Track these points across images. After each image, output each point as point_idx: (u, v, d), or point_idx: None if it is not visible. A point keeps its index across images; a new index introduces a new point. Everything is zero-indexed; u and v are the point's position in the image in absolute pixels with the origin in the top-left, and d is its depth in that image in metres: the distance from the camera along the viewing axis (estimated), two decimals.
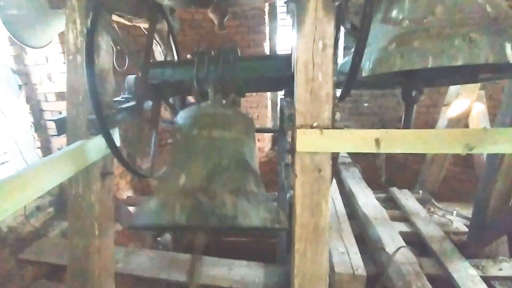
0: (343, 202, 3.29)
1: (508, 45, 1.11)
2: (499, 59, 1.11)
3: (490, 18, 1.19)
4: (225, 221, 1.17)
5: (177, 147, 1.48)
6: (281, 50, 5.12)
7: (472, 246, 2.58)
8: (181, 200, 1.21)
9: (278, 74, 1.72)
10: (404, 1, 1.35)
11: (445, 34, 1.17)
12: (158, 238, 3.41)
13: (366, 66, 1.32)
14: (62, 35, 2.36)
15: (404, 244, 2.49)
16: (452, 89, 3.66)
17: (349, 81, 1.29)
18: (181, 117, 1.54)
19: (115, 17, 1.75)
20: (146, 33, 1.85)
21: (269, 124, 5.33)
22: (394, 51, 1.25)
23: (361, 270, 2.19)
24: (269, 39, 4.87)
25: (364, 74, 1.32)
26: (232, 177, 1.33)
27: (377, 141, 1.24)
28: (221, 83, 1.67)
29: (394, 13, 1.37)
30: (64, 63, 2.95)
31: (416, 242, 2.69)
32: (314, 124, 1.27)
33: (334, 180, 3.27)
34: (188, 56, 1.80)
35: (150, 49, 1.75)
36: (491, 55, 1.11)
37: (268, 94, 5.21)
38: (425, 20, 1.25)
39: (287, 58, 1.69)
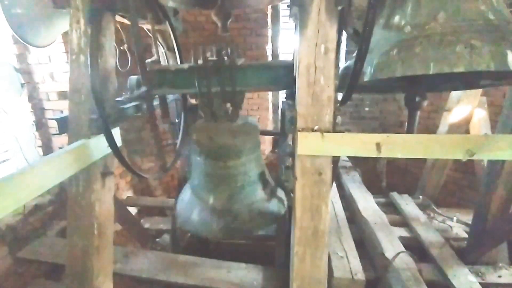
0: (342, 206, 3.28)
1: (509, 53, 1.11)
2: (500, 67, 1.11)
3: (492, 25, 1.19)
4: (246, 234, 2.02)
5: (198, 169, 1.99)
6: (283, 53, 5.13)
7: (471, 253, 2.57)
8: (215, 220, 1.86)
9: (281, 82, 1.71)
10: (406, 7, 1.35)
11: (446, 41, 1.18)
12: (157, 239, 3.40)
13: (368, 71, 1.33)
14: (65, 35, 2.37)
15: (403, 249, 2.48)
16: (454, 95, 3.66)
17: (350, 85, 1.30)
18: (196, 143, 1.88)
19: (118, 18, 1.76)
20: (150, 34, 1.86)
21: (270, 127, 5.33)
22: (396, 57, 1.25)
23: (360, 274, 2.18)
24: (271, 42, 4.88)
25: (365, 79, 1.32)
26: (247, 193, 1.90)
27: (378, 146, 1.24)
28: (224, 93, 1.69)
29: (396, 18, 1.38)
30: (67, 62, 2.97)
31: (415, 247, 2.68)
32: (315, 128, 1.28)
33: (334, 184, 3.27)
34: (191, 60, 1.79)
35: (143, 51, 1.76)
36: (492, 62, 1.11)
37: (270, 96, 5.22)
38: (427, 27, 1.25)
39: (290, 66, 1.68)
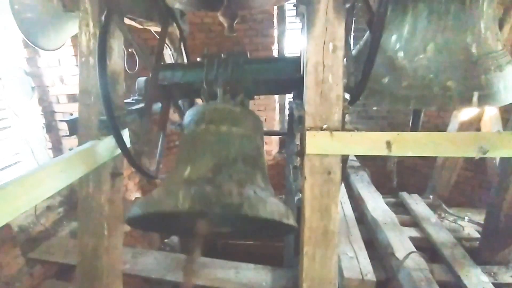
0: (351, 206, 3.25)
1: (476, 94, 1.27)
2: (466, 106, 1.35)
3: (471, 61, 1.31)
4: (231, 209, 1.12)
5: (184, 142, 1.45)
6: (289, 53, 5.12)
7: (484, 253, 2.52)
8: (185, 188, 1.16)
9: (287, 76, 1.71)
10: (403, 30, 1.44)
11: (427, 81, 1.33)
12: (166, 240, 3.42)
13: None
14: (74, 38, 2.40)
15: (414, 249, 2.45)
16: None
17: (359, 86, 1.29)
18: (189, 114, 1.52)
19: (126, 20, 1.77)
20: (157, 36, 1.87)
21: (276, 127, 5.32)
22: (386, 86, 1.41)
23: (370, 275, 2.16)
24: (278, 42, 4.88)
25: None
26: (239, 170, 1.28)
27: (388, 144, 1.22)
28: (230, 84, 1.67)
29: (393, 38, 1.46)
30: (76, 65, 3.01)
31: (426, 248, 2.64)
32: (324, 126, 1.27)
33: (342, 184, 3.26)
34: (198, 59, 1.81)
35: (161, 51, 1.77)
36: (459, 103, 1.33)
37: (276, 97, 5.21)
38: (416, 58, 1.37)
39: (296, 61, 1.69)
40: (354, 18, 1.64)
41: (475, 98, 1.27)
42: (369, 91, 1.39)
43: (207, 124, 1.39)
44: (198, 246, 1.24)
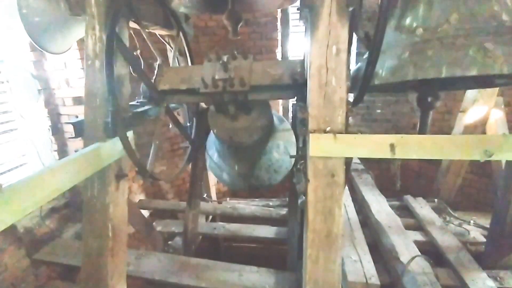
0: (355, 209, 3.24)
1: None
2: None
3: (506, 26, 1.17)
4: (263, 184, 2.44)
5: (223, 151, 2.37)
6: (293, 56, 5.13)
7: (490, 257, 2.50)
8: (242, 180, 2.44)
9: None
10: (418, 8, 1.34)
11: (459, 44, 1.16)
12: (169, 242, 3.42)
13: (379, 73, 1.31)
14: (80, 42, 2.43)
15: (419, 253, 2.43)
16: (469, 95, 3.57)
17: (362, 87, 1.29)
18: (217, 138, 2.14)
19: (132, 24, 1.79)
20: (162, 39, 1.89)
21: None
22: (408, 60, 1.24)
23: (374, 279, 2.15)
24: (281, 45, 4.89)
25: (376, 82, 1.31)
26: (264, 161, 2.33)
27: (392, 147, 1.22)
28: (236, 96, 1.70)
29: (408, 20, 1.36)
30: (82, 68, 3.05)
31: (431, 251, 2.62)
32: (328, 129, 1.27)
33: (346, 187, 3.25)
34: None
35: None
36: (505, 65, 1.10)
37: (280, 100, 5.21)
38: (439, 29, 1.24)
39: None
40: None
41: None
42: (389, 70, 1.28)
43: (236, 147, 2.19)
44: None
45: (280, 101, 5.23)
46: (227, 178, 2.52)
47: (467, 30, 1.19)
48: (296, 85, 1.59)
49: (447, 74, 1.15)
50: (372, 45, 1.18)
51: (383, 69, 1.31)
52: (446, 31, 1.22)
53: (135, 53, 1.88)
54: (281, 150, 2.37)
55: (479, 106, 3.45)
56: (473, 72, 1.11)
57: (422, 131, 1.63)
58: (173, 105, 2.36)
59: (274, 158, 2.39)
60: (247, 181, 2.43)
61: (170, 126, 2.35)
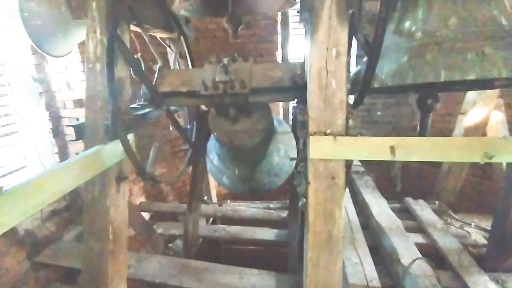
0: (356, 212, 3.23)
1: None
2: (509, 74, 1.10)
3: (504, 31, 1.18)
4: (265, 191, 2.48)
5: (224, 154, 2.42)
6: (293, 59, 5.14)
7: (491, 259, 2.48)
8: (242, 183, 2.47)
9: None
10: (417, 12, 1.35)
11: (457, 48, 1.17)
12: (170, 245, 3.42)
13: (379, 77, 1.32)
14: (81, 45, 2.44)
15: (420, 256, 2.42)
16: (469, 97, 3.57)
17: (362, 91, 1.29)
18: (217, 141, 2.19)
19: (132, 27, 1.80)
20: (163, 42, 1.90)
21: None
22: (407, 64, 1.25)
23: (375, 281, 2.14)
24: (281, 48, 4.90)
25: (376, 85, 1.32)
26: (264, 164, 2.36)
27: (392, 149, 1.22)
28: (236, 98, 1.70)
29: (407, 24, 1.38)
30: (83, 71, 3.06)
31: (432, 254, 2.61)
32: (328, 131, 1.27)
33: (347, 189, 3.26)
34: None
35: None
36: (504, 69, 1.11)
37: (280, 102, 5.21)
38: (438, 33, 1.25)
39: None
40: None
41: None
42: (388, 74, 1.29)
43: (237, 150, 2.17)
44: None
45: (281, 103, 5.24)
46: (228, 182, 2.54)
47: (466, 34, 1.20)
48: (296, 87, 1.59)
49: (446, 78, 1.15)
50: (371, 50, 1.18)
51: (383, 72, 1.31)
52: (445, 35, 1.23)
53: (136, 56, 1.88)
54: (282, 154, 2.38)
55: (480, 108, 3.45)
56: (472, 76, 1.12)
57: (422, 133, 1.63)
58: (173, 107, 2.36)
59: (275, 161, 2.40)
60: (247, 185, 2.46)
61: (171, 128, 2.35)
